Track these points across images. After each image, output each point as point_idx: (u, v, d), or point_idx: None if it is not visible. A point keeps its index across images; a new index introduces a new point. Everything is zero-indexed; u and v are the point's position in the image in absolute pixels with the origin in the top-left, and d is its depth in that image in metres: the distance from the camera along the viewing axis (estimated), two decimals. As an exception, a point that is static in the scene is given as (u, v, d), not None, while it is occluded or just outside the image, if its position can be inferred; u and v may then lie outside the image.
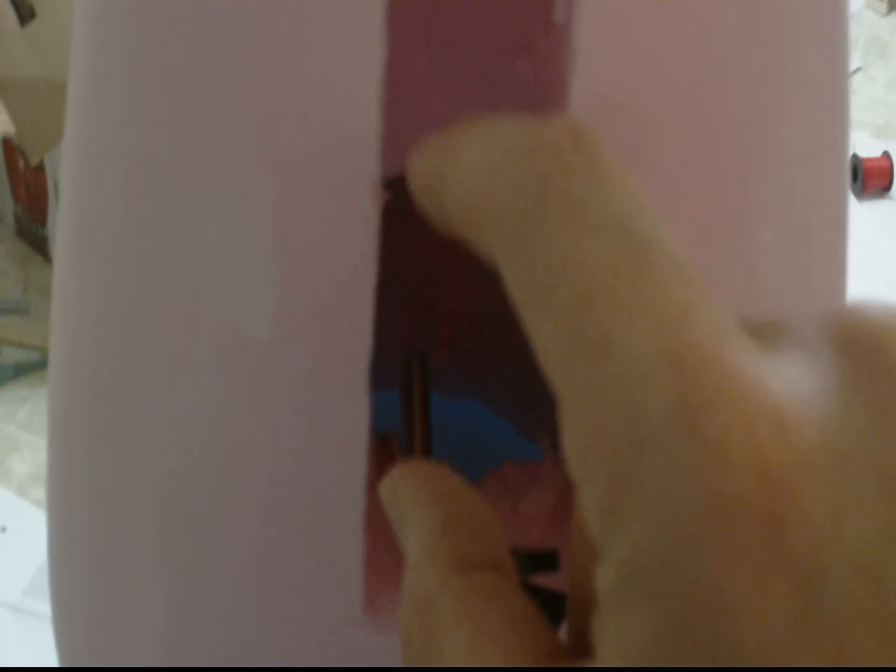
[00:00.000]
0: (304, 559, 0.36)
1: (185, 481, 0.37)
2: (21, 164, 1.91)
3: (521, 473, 0.40)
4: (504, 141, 0.26)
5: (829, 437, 0.22)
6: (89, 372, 0.39)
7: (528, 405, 0.43)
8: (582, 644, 0.25)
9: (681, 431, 0.22)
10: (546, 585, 0.30)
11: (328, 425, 0.35)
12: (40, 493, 1.63)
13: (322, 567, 0.36)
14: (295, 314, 0.35)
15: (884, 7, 2.61)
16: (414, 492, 0.28)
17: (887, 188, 2.16)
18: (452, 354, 0.44)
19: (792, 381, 0.22)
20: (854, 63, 2.47)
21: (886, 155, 2.17)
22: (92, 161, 0.38)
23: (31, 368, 1.79)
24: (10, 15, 1.73)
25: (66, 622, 0.43)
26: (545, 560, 0.33)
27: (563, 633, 0.27)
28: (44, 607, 1.42)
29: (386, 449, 0.40)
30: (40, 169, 1.87)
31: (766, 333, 0.24)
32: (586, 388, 0.23)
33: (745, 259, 0.37)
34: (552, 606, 0.32)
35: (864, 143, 2.23)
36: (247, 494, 0.37)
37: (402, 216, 0.33)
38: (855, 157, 2.17)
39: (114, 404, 0.39)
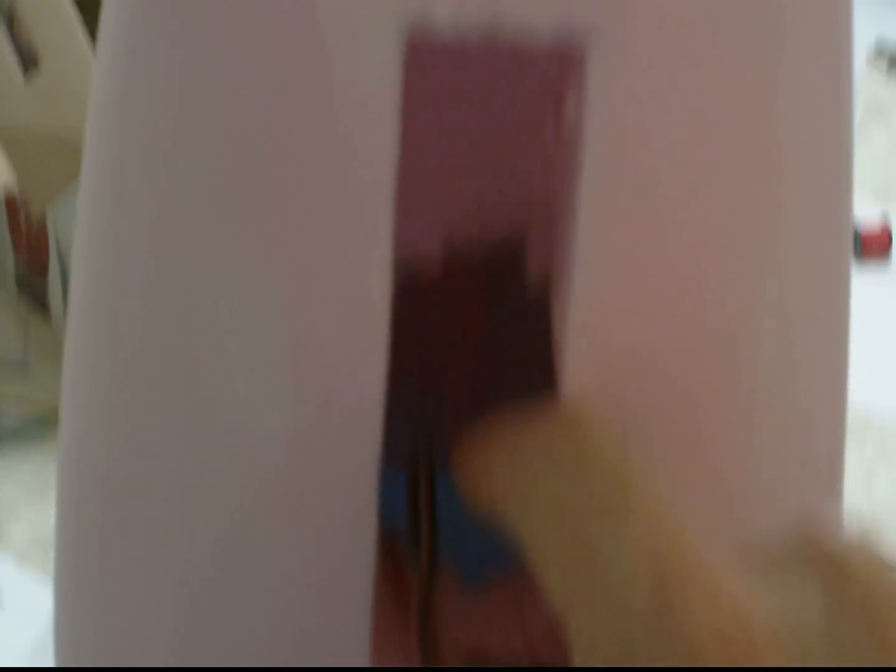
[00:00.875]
0: (312, 656, 0.37)
1: (199, 575, 0.38)
2: (23, 218, 1.92)
3: (529, 584, 0.41)
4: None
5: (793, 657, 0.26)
6: (100, 471, 0.40)
7: None
8: None
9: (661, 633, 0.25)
10: None
11: (337, 525, 0.37)
12: (39, 558, 1.63)
13: (331, 661, 0.37)
14: (307, 414, 0.35)
15: (884, 67, 2.63)
16: None
17: (886, 256, 2.17)
18: (462, 434, 0.45)
19: (766, 600, 0.26)
20: (853, 130, 2.48)
21: (885, 220, 2.18)
22: (106, 264, 0.39)
23: (31, 428, 1.79)
24: (14, 63, 1.74)
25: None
26: None
27: None
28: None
29: (391, 547, 0.40)
30: (42, 223, 1.88)
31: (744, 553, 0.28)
32: (582, 597, 0.27)
33: (751, 352, 0.38)
34: None
35: (864, 207, 2.24)
36: (260, 590, 0.37)
37: (409, 302, 0.35)
38: (854, 227, 2.18)
39: (125, 501, 0.39)
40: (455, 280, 0.36)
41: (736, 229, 0.37)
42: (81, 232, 0.40)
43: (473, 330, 0.37)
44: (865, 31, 2.71)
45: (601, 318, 0.36)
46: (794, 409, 0.40)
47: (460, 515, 0.39)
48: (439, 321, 0.37)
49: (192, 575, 0.38)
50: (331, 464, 0.36)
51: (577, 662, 0.27)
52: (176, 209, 0.36)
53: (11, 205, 1.91)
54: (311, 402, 0.35)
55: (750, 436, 0.39)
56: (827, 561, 0.27)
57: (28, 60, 1.70)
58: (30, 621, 1.42)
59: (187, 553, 0.38)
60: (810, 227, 0.39)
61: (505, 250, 0.35)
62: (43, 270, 1.94)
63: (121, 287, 0.38)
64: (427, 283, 0.35)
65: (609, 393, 0.36)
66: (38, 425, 1.79)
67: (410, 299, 0.35)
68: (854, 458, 1.86)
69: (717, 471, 0.38)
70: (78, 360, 0.40)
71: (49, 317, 1.97)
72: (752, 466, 0.39)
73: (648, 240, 0.36)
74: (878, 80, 2.61)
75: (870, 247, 2.15)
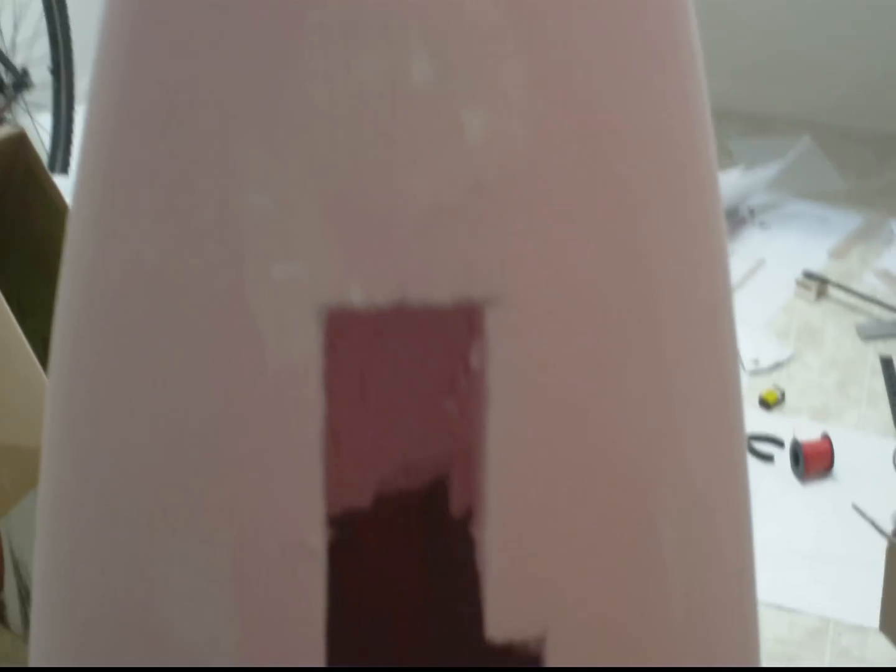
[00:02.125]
0: None
1: None
2: (-25, 535, 1.92)
3: None
4: None
5: None
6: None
7: None
8: None
9: None
10: None
11: None
12: None
13: None
14: (253, 647, 0.38)
15: (812, 295, 2.69)
16: None
17: (828, 469, 2.19)
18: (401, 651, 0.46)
19: None
20: (788, 351, 2.53)
21: (826, 437, 2.21)
22: (67, 513, 0.42)
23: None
24: None
25: None
26: None
27: None
28: None
29: None
30: (-5, 537, 1.89)
31: None
32: None
33: (654, 554, 0.41)
34: None
35: (804, 427, 2.27)
36: None
37: (345, 549, 0.38)
38: (796, 442, 2.20)
39: None
40: (387, 526, 0.39)
41: (632, 440, 0.40)
42: (46, 503, 0.44)
43: (408, 571, 0.40)
44: (793, 263, 2.79)
45: (518, 548, 0.39)
46: (702, 585, 0.42)
47: None
48: (374, 565, 0.39)
49: None
50: None
51: None
52: (130, 486, 0.40)
53: (-37, 523, 1.93)
54: (257, 641, 0.38)
55: (663, 617, 0.41)
56: None
57: None
58: None
59: None
60: (703, 423, 0.42)
61: (430, 495, 0.38)
62: (-2, 583, 1.94)
63: (79, 545, 0.42)
64: (361, 532, 0.38)
65: (530, 605, 0.39)
66: (-4, 734, 1.78)
67: (346, 547, 0.38)
68: (814, 663, 1.85)
69: (629, 654, 0.40)
70: (45, 604, 0.44)
71: (6, 624, 1.96)
72: (663, 650, 0.41)
73: (555, 472, 0.39)
74: (807, 307, 2.68)
75: (813, 464, 2.18)
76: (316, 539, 0.37)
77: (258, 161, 0.38)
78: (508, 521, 0.38)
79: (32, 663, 0.44)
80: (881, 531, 1.92)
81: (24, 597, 1.90)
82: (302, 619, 0.38)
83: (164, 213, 0.39)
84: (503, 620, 0.38)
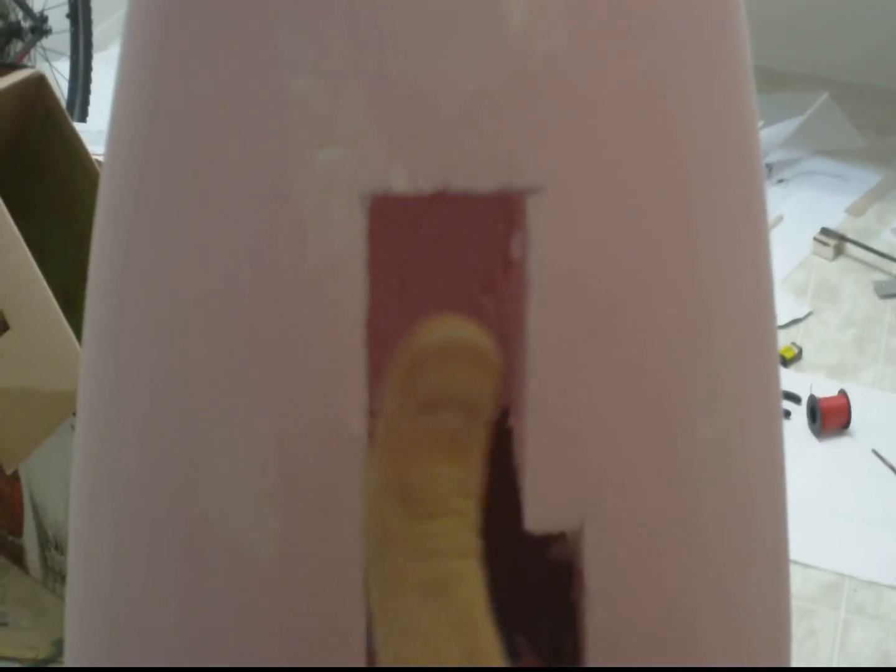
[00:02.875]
0: None
1: None
2: (-4, 476, 1.94)
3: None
4: None
5: None
6: (105, 596, 0.42)
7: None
8: None
9: None
10: None
11: (328, 631, 0.39)
12: None
13: None
14: (295, 534, 0.38)
15: (830, 253, 2.69)
16: None
17: (845, 426, 2.19)
18: None
19: None
20: (805, 308, 2.53)
21: (843, 394, 2.21)
22: (107, 391, 0.42)
23: (11, 679, 1.79)
24: None
25: None
26: None
27: None
28: None
29: None
30: (15, 479, 1.90)
31: None
32: None
33: (689, 455, 0.40)
34: None
35: (821, 385, 2.27)
36: None
37: None
38: (813, 398, 2.21)
39: (130, 622, 0.42)
40: None
41: (670, 347, 0.40)
42: (86, 388, 0.44)
43: None
44: (811, 220, 2.79)
45: (557, 439, 0.38)
46: (734, 491, 0.42)
47: None
48: None
49: None
50: (316, 583, 0.38)
51: None
52: (173, 361, 0.40)
53: (-17, 465, 1.94)
54: (297, 527, 0.38)
55: (694, 518, 0.41)
56: None
57: None
58: None
59: None
60: (737, 328, 0.42)
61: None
62: (17, 526, 1.95)
63: (120, 428, 0.41)
64: None
65: (568, 498, 0.38)
66: (18, 674, 1.79)
67: None
68: (829, 618, 1.86)
69: (663, 559, 0.40)
70: (83, 506, 0.43)
71: (25, 572, 1.98)
72: (696, 551, 0.41)
73: (594, 365, 0.38)
74: (825, 265, 2.68)
75: (830, 420, 2.18)
76: (358, 426, 0.37)
77: (302, 45, 0.38)
78: (547, 417, 0.38)
79: (70, 554, 0.44)
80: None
81: (44, 542, 1.92)
82: (342, 507, 0.38)
83: (207, 102, 0.39)
84: (541, 513, 0.38)
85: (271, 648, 0.39)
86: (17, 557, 1.98)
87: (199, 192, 0.39)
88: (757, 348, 0.42)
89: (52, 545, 1.89)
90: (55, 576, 1.91)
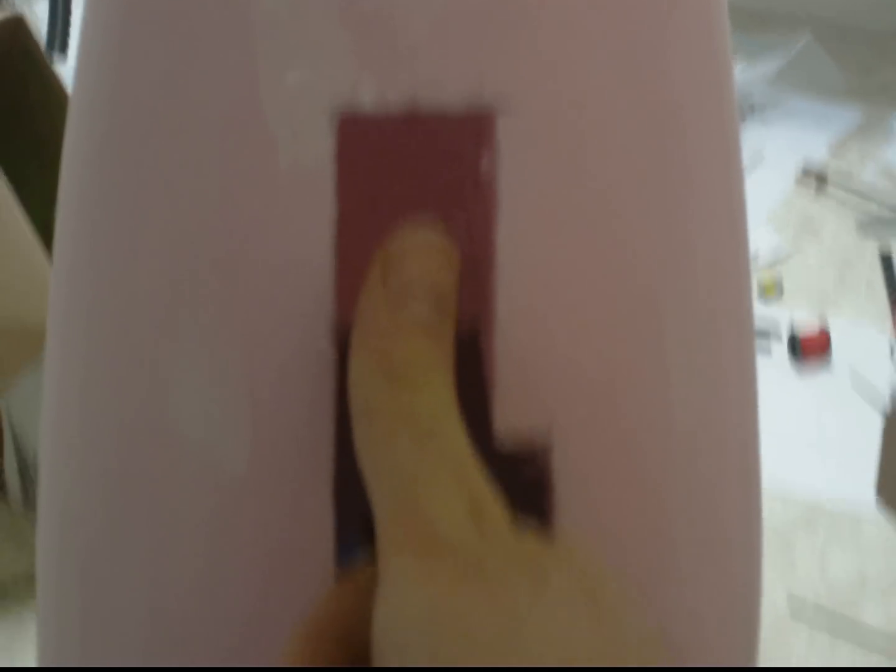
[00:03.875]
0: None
1: (175, 604, 0.40)
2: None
3: None
4: None
5: None
6: (80, 515, 0.42)
7: None
8: None
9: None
10: None
11: (298, 544, 0.39)
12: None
13: None
14: (266, 448, 0.38)
15: (812, 190, 2.69)
16: None
17: (825, 360, 2.20)
18: None
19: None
20: (787, 244, 2.54)
21: (823, 328, 2.22)
22: (76, 317, 0.42)
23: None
24: None
25: None
26: None
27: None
28: None
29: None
30: (-5, 412, 1.90)
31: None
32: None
33: (658, 363, 0.41)
34: None
35: (802, 319, 2.28)
36: (230, 611, 0.40)
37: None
38: (793, 332, 2.22)
39: (104, 542, 0.41)
40: None
41: (639, 259, 0.40)
42: (56, 309, 0.43)
43: None
44: (793, 154, 2.79)
45: (525, 351, 0.38)
46: (706, 400, 0.42)
47: None
48: None
49: (164, 625, 0.41)
50: (289, 496, 0.39)
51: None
52: (142, 278, 0.39)
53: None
54: (269, 442, 0.39)
55: (664, 427, 0.41)
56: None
57: None
58: None
59: (162, 588, 0.41)
60: (710, 247, 0.42)
61: None
62: (-3, 457, 1.95)
63: (92, 348, 0.41)
64: None
65: (537, 403, 0.39)
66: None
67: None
68: (807, 545, 1.87)
69: (634, 462, 0.41)
70: (55, 423, 0.43)
71: (6, 499, 1.97)
72: (666, 462, 0.41)
73: (561, 278, 0.39)
74: (807, 198, 2.68)
75: (810, 350, 2.19)
76: (326, 341, 0.38)
77: None
78: (514, 330, 0.38)
79: (41, 469, 0.44)
80: (876, 401, 1.93)
81: (24, 473, 1.91)
82: (312, 421, 0.38)
83: (175, 21, 0.39)
84: (510, 423, 0.39)
85: (243, 560, 0.39)
86: (-2, 488, 1.98)
87: (170, 111, 0.39)
88: (731, 261, 0.42)
89: (33, 476, 1.89)
90: (35, 506, 1.91)
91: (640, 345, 0.40)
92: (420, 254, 0.37)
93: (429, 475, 0.33)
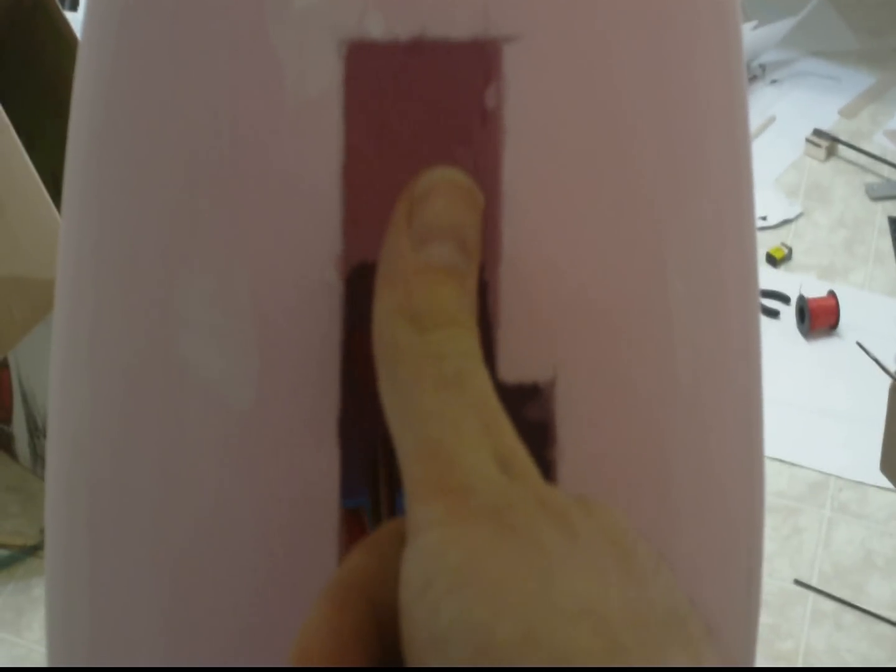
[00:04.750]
0: (282, 605, 0.40)
1: (182, 538, 0.40)
2: (-17, 364, 1.93)
3: None
4: None
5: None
6: (89, 450, 0.42)
7: None
8: None
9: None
10: None
11: (303, 482, 0.39)
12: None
13: (300, 606, 0.38)
14: (273, 383, 0.38)
15: (822, 154, 2.68)
16: None
17: (834, 326, 2.20)
18: None
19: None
20: (796, 208, 2.53)
21: (832, 295, 2.22)
22: (85, 256, 0.42)
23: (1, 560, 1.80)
24: None
25: None
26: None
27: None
28: None
29: (356, 523, 0.41)
30: (4, 366, 1.90)
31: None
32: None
33: (662, 306, 0.40)
34: None
35: (811, 285, 2.28)
36: (236, 545, 0.40)
37: (361, 292, 0.38)
38: (801, 298, 2.21)
39: (113, 475, 0.41)
40: None
41: (644, 198, 0.40)
42: (66, 243, 0.43)
43: None
44: (803, 121, 2.77)
45: (531, 289, 0.38)
46: (708, 344, 0.42)
47: None
48: None
49: (172, 557, 0.41)
50: (295, 428, 0.39)
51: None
52: (151, 212, 0.39)
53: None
54: (276, 375, 0.38)
55: (666, 369, 0.41)
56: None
57: None
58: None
59: (172, 518, 0.41)
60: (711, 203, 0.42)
61: None
62: (6, 414, 1.96)
63: (102, 283, 0.41)
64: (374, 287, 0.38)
65: (540, 353, 0.39)
66: (7, 561, 1.80)
67: (361, 290, 0.38)
68: (813, 518, 1.88)
69: (637, 404, 0.41)
70: (63, 357, 0.43)
71: (13, 459, 1.98)
72: (668, 405, 0.41)
73: (568, 215, 0.39)
74: (816, 166, 2.67)
75: (818, 320, 2.19)
76: (333, 273, 0.38)
77: None
78: (521, 268, 0.38)
79: (50, 410, 0.44)
80: (884, 368, 1.93)
81: (33, 429, 1.92)
82: (319, 356, 0.38)
83: None
84: (514, 363, 0.38)
85: (249, 494, 0.39)
86: (6, 445, 1.98)
87: (175, 37, 0.38)
88: (736, 217, 0.42)
89: (41, 433, 1.90)
90: (44, 463, 1.91)
91: (645, 286, 0.40)
92: (445, 194, 0.36)
93: (456, 420, 0.33)
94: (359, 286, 0.38)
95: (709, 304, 0.42)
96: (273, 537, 0.39)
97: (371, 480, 0.41)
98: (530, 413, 0.39)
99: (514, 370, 0.39)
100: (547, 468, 0.39)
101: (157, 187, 0.39)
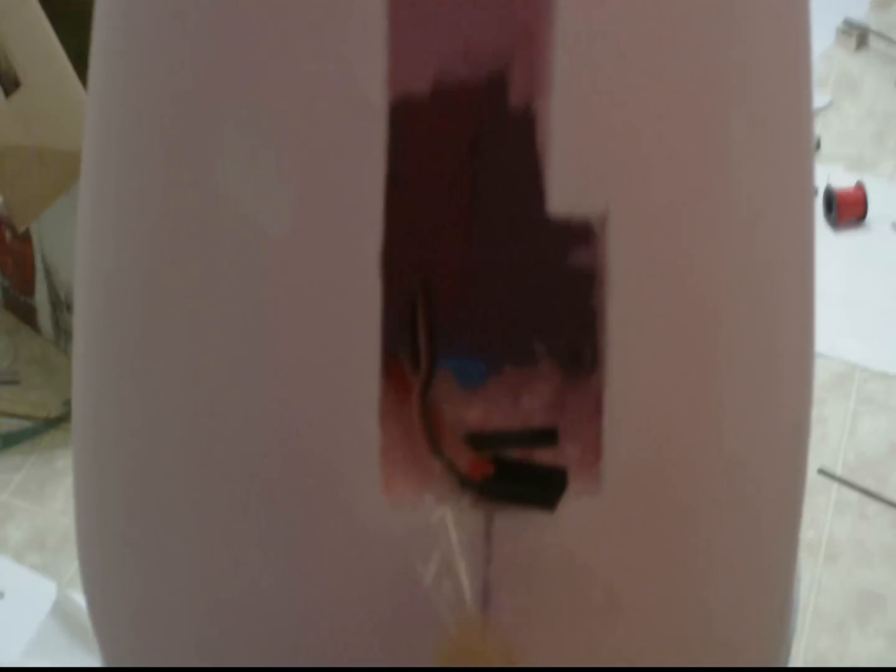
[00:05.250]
0: (322, 453, 0.38)
1: (214, 383, 0.39)
2: (7, 235, 1.93)
3: (520, 374, 0.42)
4: None
5: None
6: (116, 303, 0.41)
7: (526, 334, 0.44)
8: None
9: None
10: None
11: (344, 316, 0.37)
12: (36, 558, 1.65)
13: (341, 457, 0.38)
14: (311, 209, 0.36)
15: (853, 44, 2.65)
16: None
17: (861, 218, 2.18)
18: (456, 302, 0.44)
19: None
20: (825, 98, 2.50)
21: (860, 186, 2.20)
22: (118, 95, 0.40)
23: (23, 437, 1.81)
24: None
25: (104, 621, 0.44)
26: (546, 436, 0.38)
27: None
28: (43, 665, 1.42)
29: (394, 366, 0.40)
30: (26, 239, 1.89)
31: None
32: None
33: (718, 144, 0.39)
34: (552, 480, 0.36)
35: (839, 176, 2.25)
36: (272, 384, 0.38)
37: (404, 127, 0.36)
38: (829, 189, 2.19)
39: (143, 331, 0.40)
40: (444, 112, 0.37)
41: (699, 38, 0.37)
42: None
43: (463, 156, 0.39)
44: (833, 11, 2.73)
45: (584, 118, 0.36)
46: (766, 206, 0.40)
47: (456, 329, 0.40)
48: (432, 149, 0.38)
49: (202, 411, 0.39)
50: (334, 259, 0.37)
51: None
52: (181, 48, 0.37)
53: (-5, 224, 1.93)
54: (313, 201, 0.36)
55: (724, 225, 0.39)
56: None
57: (8, 82, 1.71)
58: (30, 610, 1.45)
59: (196, 389, 0.39)
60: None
61: (490, 81, 0.36)
62: (29, 287, 1.96)
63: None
64: (419, 116, 0.36)
65: (592, 181, 0.36)
66: (30, 433, 1.81)
67: (405, 125, 0.36)
68: (839, 407, 1.88)
69: (686, 267, 0.39)
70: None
71: (37, 332, 1.98)
72: (722, 270, 0.39)
73: (622, 42, 0.36)
74: (846, 56, 2.64)
75: (846, 212, 2.17)
76: (378, 94, 0.35)
77: None
78: (573, 93, 0.36)
79: (77, 278, 0.42)
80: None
81: (56, 302, 1.92)
82: (360, 180, 0.36)
83: None
84: (565, 194, 0.36)
85: (284, 326, 0.38)
86: (29, 317, 1.98)
87: None
88: (792, 66, 0.40)
89: (64, 306, 1.89)
90: (66, 336, 1.92)
91: (702, 128, 0.38)
92: None
93: None
94: (406, 111, 0.36)
95: (767, 153, 0.40)
96: (310, 377, 0.38)
97: (410, 324, 0.40)
98: (578, 260, 0.38)
99: (565, 200, 0.37)
100: (593, 319, 0.37)
101: (187, 23, 0.37)
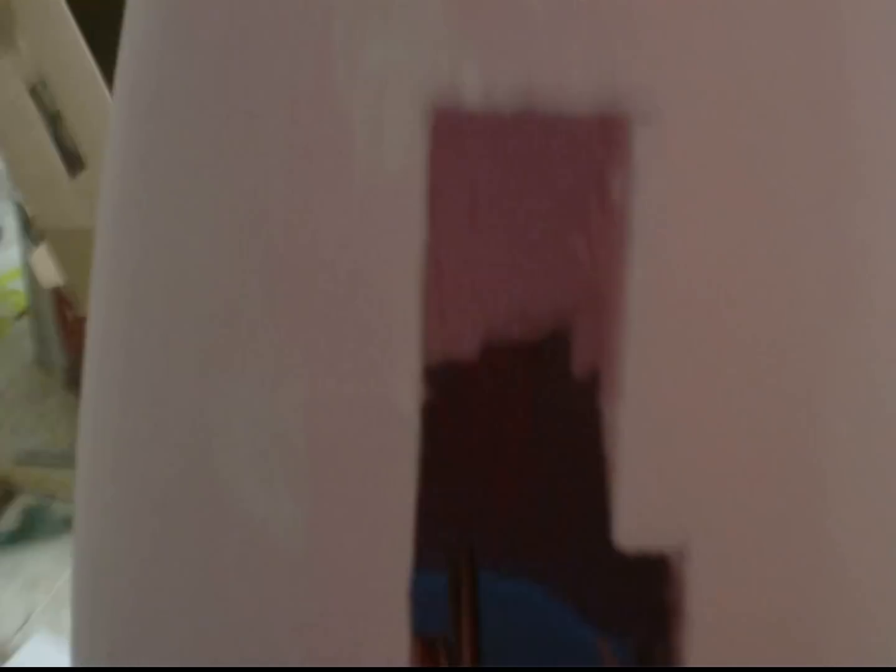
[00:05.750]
0: None
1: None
2: (70, 314, 1.93)
3: None
4: None
5: None
6: (117, 572, 0.38)
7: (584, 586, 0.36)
8: None
9: None
10: None
11: (366, 644, 0.33)
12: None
13: None
14: (330, 525, 0.33)
15: None
16: None
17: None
18: (504, 531, 0.36)
19: None
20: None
21: None
22: (122, 367, 0.37)
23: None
24: (60, 166, 1.75)
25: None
26: None
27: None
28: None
29: (432, 656, 0.34)
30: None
31: None
32: None
33: (817, 455, 0.33)
34: None
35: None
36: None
37: (444, 408, 0.32)
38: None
39: (142, 602, 0.37)
40: (495, 383, 0.31)
41: (802, 326, 0.32)
42: (93, 340, 0.38)
43: (517, 433, 0.32)
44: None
45: (660, 429, 0.31)
46: (875, 504, 0.34)
47: (506, 612, 0.34)
48: (478, 425, 0.32)
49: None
50: (355, 564, 0.32)
51: None
52: (187, 303, 0.34)
53: (60, 302, 1.93)
54: (333, 516, 0.32)
55: (824, 542, 0.34)
56: None
57: (74, 161, 1.71)
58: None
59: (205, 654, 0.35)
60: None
61: (548, 347, 0.31)
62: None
63: (132, 387, 0.36)
64: (464, 388, 0.31)
65: (670, 506, 0.32)
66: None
67: (445, 405, 0.31)
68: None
69: (783, 593, 0.33)
70: (96, 481, 0.39)
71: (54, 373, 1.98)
72: (824, 587, 0.34)
73: (708, 337, 0.31)
74: None
75: None
76: (407, 398, 0.31)
77: None
78: (648, 401, 0.30)
79: (75, 524, 0.39)
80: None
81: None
82: (386, 499, 0.31)
83: None
84: (635, 522, 0.31)
85: (301, 653, 0.34)
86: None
87: (225, 98, 0.32)
88: None
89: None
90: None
91: (799, 438, 0.33)
92: None
93: None
94: (441, 409, 0.32)
95: (878, 449, 0.34)
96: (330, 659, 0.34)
97: (453, 607, 0.34)
98: (653, 590, 0.32)
99: (635, 532, 0.32)
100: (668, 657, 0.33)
101: (199, 271, 0.33)
